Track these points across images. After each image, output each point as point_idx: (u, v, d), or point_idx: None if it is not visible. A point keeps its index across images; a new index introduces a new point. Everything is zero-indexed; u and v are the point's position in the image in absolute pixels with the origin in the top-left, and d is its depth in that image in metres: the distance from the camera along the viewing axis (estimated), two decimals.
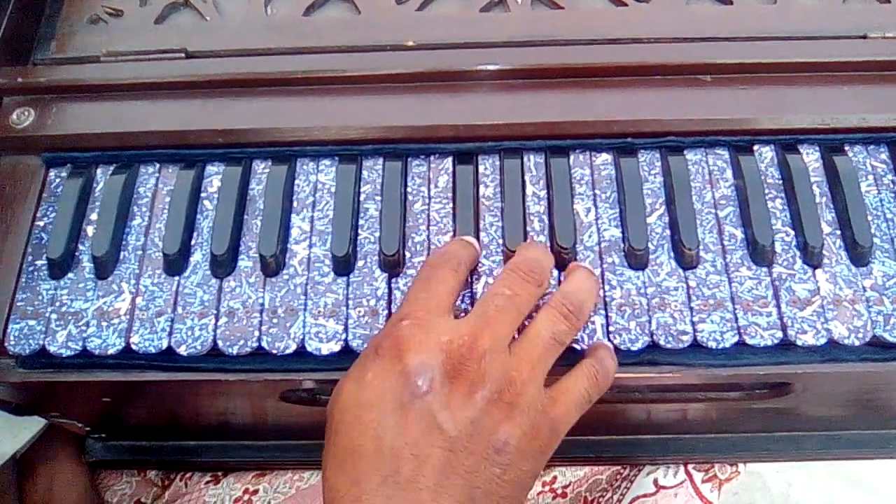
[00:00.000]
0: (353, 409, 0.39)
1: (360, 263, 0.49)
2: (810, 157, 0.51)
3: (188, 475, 0.68)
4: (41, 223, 0.51)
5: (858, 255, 0.47)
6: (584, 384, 0.42)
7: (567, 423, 0.42)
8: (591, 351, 0.45)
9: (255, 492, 0.67)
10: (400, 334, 0.40)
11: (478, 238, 0.49)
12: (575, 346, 0.45)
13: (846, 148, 0.51)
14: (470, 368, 0.39)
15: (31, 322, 0.48)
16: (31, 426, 0.63)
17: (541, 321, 0.42)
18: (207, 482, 0.68)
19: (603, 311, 0.47)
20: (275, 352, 0.46)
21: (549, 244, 0.49)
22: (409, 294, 0.43)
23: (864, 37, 0.53)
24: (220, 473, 0.68)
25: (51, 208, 0.51)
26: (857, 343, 0.45)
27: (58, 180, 0.53)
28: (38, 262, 0.50)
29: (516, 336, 0.42)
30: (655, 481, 0.66)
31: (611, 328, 0.46)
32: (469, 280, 0.47)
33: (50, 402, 0.56)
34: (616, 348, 0.46)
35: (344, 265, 0.48)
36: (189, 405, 0.59)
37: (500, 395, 0.39)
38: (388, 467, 0.37)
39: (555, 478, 0.67)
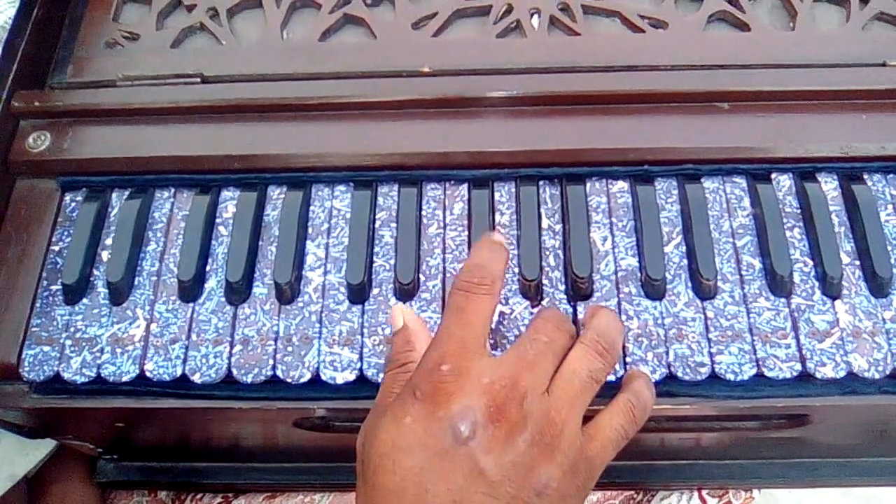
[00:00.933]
0: (392, 452, 0.38)
1: (375, 291, 0.49)
2: (829, 185, 0.50)
3: (199, 496, 0.68)
4: (56, 248, 0.51)
5: (878, 285, 0.47)
6: (620, 420, 0.41)
7: (604, 461, 0.41)
8: (626, 382, 0.44)
9: None
10: (439, 378, 0.39)
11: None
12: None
13: (865, 176, 0.51)
14: (512, 410, 0.38)
15: (46, 348, 0.48)
16: (43, 447, 0.63)
17: (576, 360, 0.41)
18: (218, 503, 0.67)
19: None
20: (289, 380, 0.46)
21: (564, 273, 0.48)
22: (443, 329, 0.42)
23: (884, 64, 0.52)
24: (230, 495, 0.68)
25: (66, 233, 0.52)
26: (877, 376, 0.45)
27: (73, 204, 0.53)
28: (53, 288, 0.50)
29: None
30: None
31: (628, 359, 0.46)
32: None
33: (63, 426, 0.56)
34: None
35: (359, 293, 0.48)
36: (201, 430, 0.58)
37: (542, 437, 0.38)
38: None
39: None
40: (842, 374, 0.45)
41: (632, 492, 0.66)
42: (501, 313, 0.47)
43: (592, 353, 0.41)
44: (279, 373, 0.46)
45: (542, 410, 0.39)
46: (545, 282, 0.48)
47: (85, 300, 0.49)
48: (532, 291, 0.48)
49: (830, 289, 0.47)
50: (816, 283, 0.47)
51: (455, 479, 0.37)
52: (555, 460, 0.38)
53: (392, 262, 0.49)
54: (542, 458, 0.38)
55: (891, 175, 0.51)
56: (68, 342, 0.48)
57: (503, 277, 0.44)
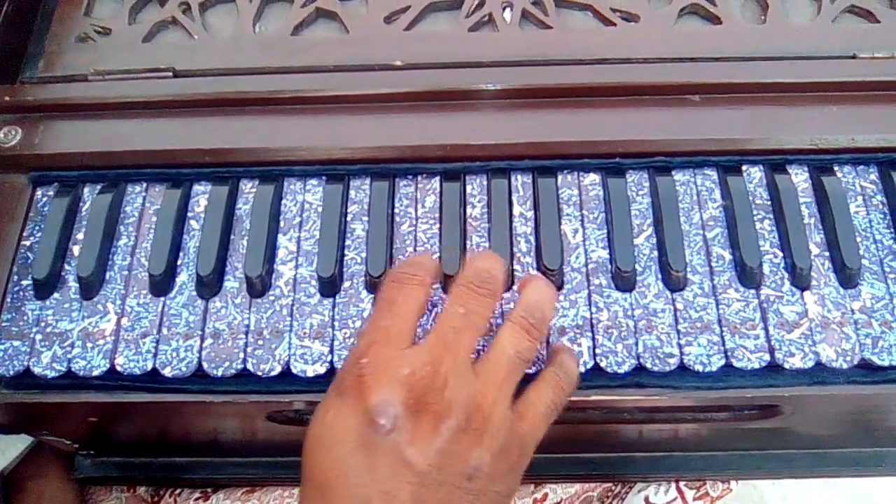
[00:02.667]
0: (317, 447, 0.39)
1: (346, 284, 0.49)
2: (799, 177, 0.51)
3: (177, 491, 0.68)
4: (27, 242, 0.51)
5: (847, 277, 0.47)
6: (549, 395, 0.42)
7: (536, 437, 0.41)
8: (551, 357, 0.44)
9: None
10: (359, 371, 0.39)
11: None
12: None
13: (835, 168, 0.51)
14: (434, 400, 0.38)
15: (16, 343, 0.48)
16: (19, 443, 0.63)
17: (503, 339, 0.41)
18: (197, 499, 0.67)
19: (590, 333, 0.46)
20: (260, 374, 0.46)
21: (535, 265, 0.49)
22: (370, 321, 0.42)
23: (854, 57, 0.53)
24: (209, 490, 0.68)
25: (37, 227, 0.51)
26: (845, 366, 0.45)
27: (44, 199, 0.52)
28: (24, 283, 0.50)
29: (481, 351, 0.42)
30: (647, 499, 0.65)
31: (597, 350, 0.46)
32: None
33: (36, 422, 0.56)
34: (602, 371, 0.46)
35: (330, 286, 0.48)
36: (177, 424, 0.58)
37: (469, 423, 0.38)
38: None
39: (546, 494, 0.66)
40: (810, 364, 0.45)
41: (610, 484, 0.67)
42: None
43: (520, 332, 0.41)
44: (250, 366, 0.46)
45: (468, 395, 0.39)
46: (517, 267, 0.48)
47: (56, 295, 0.49)
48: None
49: (799, 280, 0.47)
50: (786, 275, 0.48)
51: (381, 471, 0.37)
52: (483, 444, 0.38)
53: (363, 255, 0.49)
54: (470, 443, 0.38)
55: (861, 167, 0.51)
56: (39, 337, 0.48)
57: (435, 277, 0.44)
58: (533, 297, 0.43)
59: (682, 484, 0.65)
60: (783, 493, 0.69)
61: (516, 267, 0.49)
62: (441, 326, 0.41)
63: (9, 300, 0.49)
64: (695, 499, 0.65)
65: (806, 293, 0.47)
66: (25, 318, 0.48)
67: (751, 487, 0.68)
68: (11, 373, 0.47)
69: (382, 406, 0.38)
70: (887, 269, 0.48)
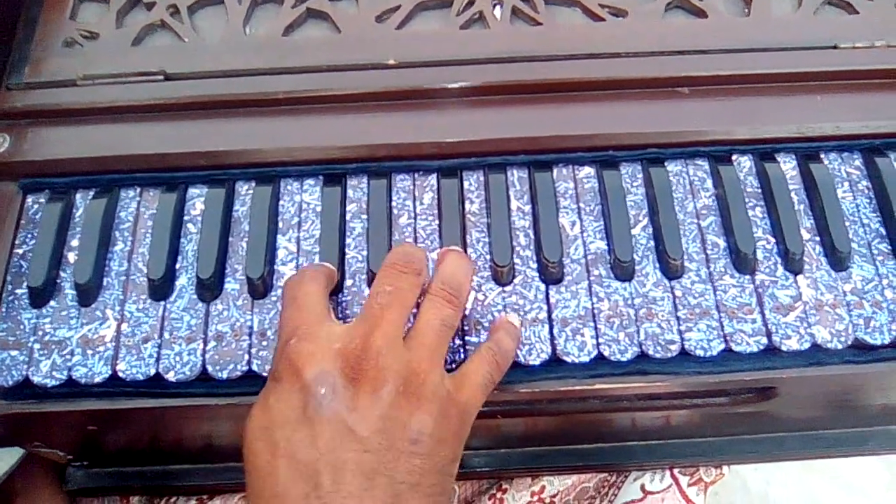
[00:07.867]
0: (262, 433, 0.39)
1: (348, 283, 0.49)
2: (787, 165, 0.52)
3: (172, 499, 0.67)
4: (20, 251, 0.50)
5: (837, 260, 0.48)
6: (485, 369, 0.43)
7: (475, 406, 0.43)
8: (491, 331, 0.46)
9: None
10: (291, 353, 0.40)
11: (465, 254, 0.49)
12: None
13: (822, 155, 0.52)
14: (369, 367, 0.39)
15: (13, 353, 0.47)
16: (9, 456, 0.62)
17: (427, 310, 0.43)
18: None
19: (592, 323, 0.47)
20: (265, 374, 0.46)
21: (535, 258, 0.49)
22: (282, 317, 0.43)
23: (835, 47, 0.54)
24: (204, 497, 0.67)
25: (30, 235, 0.51)
26: (839, 346, 0.46)
27: (36, 206, 0.52)
28: (19, 291, 0.49)
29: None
30: (643, 487, 0.66)
31: (600, 339, 0.47)
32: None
33: (32, 433, 0.54)
34: (606, 359, 0.46)
35: None
36: (176, 430, 0.58)
37: (406, 388, 0.39)
38: (308, 483, 0.37)
39: (543, 487, 0.67)
40: (806, 345, 0.46)
41: (606, 473, 0.67)
42: (476, 299, 0.48)
43: (441, 302, 0.43)
44: (255, 367, 0.46)
45: (403, 363, 0.40)
46: (517, 261, 0.49)
47: (52, 302, 0.48)
48: (504, 277, 0.48)
49: (792, 264, 0.48)
50: (779, 260, 0.49)
51: (325, 442, 0.37)
52: (423, 408, 0.39)
53: (364, 253, 0.49)
54: (410, 408, 0.39)
55: (846, 153, 0.53)
56: (37, 345, 0.47)
57: (328, 277, 0.46)
58: (448, 270, 0.45)
59: (676, 470, 0.67)
60: (766, 479, 0.70)
61: (516, 261, 0.49)
62: (369, 304, 0.42)
63: (3, 310, 0.48)
64: (689, 484, 0.67)
65: (799, 277, 0.48)
66: (22, 327, 0.48)
67: (734, 474, 0.70)
68: (9, 383, 0.46)
69: (321, 377, 0.38)
70: (875, 252, 0.49)
